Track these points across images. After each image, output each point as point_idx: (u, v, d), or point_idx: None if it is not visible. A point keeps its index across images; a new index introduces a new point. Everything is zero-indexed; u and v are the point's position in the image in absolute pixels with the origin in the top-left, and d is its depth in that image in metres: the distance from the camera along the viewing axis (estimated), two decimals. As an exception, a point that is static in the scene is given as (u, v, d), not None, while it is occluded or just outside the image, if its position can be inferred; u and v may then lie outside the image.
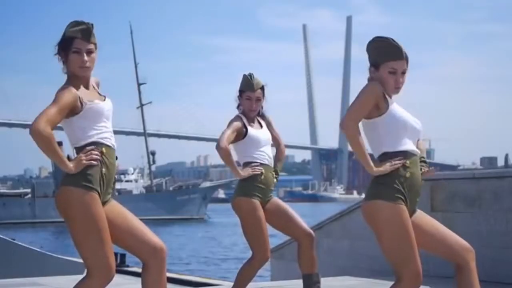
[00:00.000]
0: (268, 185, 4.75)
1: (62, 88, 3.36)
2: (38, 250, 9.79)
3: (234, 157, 4.84)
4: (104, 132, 3.42)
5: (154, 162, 71.58)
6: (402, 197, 3.48)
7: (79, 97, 3.36)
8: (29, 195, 63.03)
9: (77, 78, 3.43)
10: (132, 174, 75.69)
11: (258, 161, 4.73)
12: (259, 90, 4.78)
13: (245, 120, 4.77)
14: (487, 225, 6.70)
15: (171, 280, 10.18)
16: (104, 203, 3.44)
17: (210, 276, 14.39)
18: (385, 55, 3.52)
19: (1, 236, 9.63)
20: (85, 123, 3.38)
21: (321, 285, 4.82)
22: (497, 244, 6.61)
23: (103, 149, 3.39)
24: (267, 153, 4.78)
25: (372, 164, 3.42)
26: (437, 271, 6.93)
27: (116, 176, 3.61)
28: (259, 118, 4.86)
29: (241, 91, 4.80)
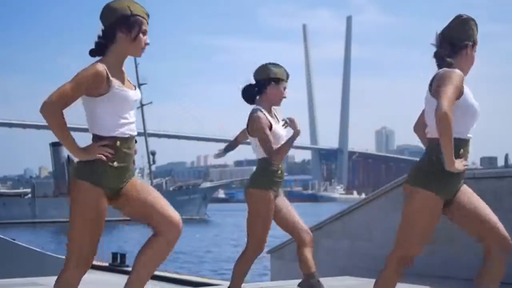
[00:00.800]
0: (282, 178, 4.80)
1: (90, 65, 3.26)
2: (38, 250, 9.79)
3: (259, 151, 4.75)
4: (124, 125, 3.34)
5: (154, 162, 71.68)
6: (446, 189, 3.54)
7: (108, 76, 3.25)
8: (29, 195, 63.08)
9: (120, 60, 3.37)
10: (132, 174, 75.64)
11: None
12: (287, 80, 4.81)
13: (267, 115, 4.69)
14: (487, 225, 6.69)
15: (171, 280, 10.18)
16: (120, 189, 3.38)
17: (210, 276, 14.40)
18: (477, 34, 3.67)
19: (1, 236, 9.63)
20: (107, 107, 3.29)
21: (321, 285, 4.81)
22: (497, 244, 6.60)
23: (118, 143, 3.30)
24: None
25: (454, 159, 3.41)
26: (436, 272, 6.93)
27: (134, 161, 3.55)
28: (276, 111, 4.81)
29: (277, 79, 4.69)
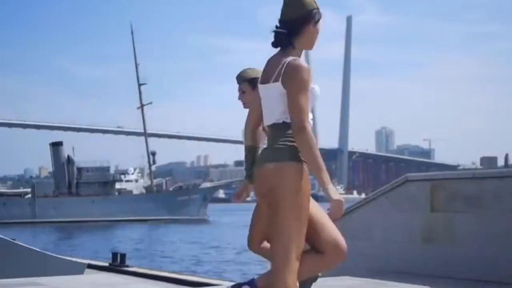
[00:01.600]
0: None
1: (302, 67, 3.19)
2: (38, 250, 9.78)
3: None
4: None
5: (154, 162, 71.70)
6: None
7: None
8: (29, 195, 63.11)
9: (300, 53, 3.33)
10: (133, 174, 75.74)
11: None
12: (243, 83, 4.80)
13: None
14: (488, 225, 6.69)
15: (171, 280, 10.17)
16: None
17: (210, 276, 14.40)
18: None
19: (1, 236, 9.62)
20: None
21: (321, 285, 4.82)
22: (498, 244, 6.61)
23: None
24: None
25: None
26: (436, 272, 6.93)
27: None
28: None
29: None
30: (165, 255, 27.91)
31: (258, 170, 3.30)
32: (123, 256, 11.86)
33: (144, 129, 71.77)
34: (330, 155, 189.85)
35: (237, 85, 4.87)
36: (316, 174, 3.12)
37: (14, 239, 10.11)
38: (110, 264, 11.97)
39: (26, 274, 8.00)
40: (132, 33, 72.39)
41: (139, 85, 70.64)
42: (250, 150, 3.76)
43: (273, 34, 3.34)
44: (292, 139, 3.21)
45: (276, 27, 3.31)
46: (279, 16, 3.34)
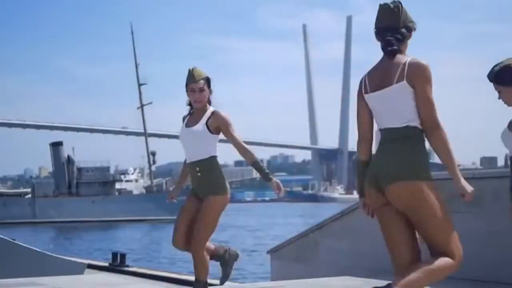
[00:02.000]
0: (192, 182, 5.11)
1: (427, 64, 3.35)
2: (38, 250, 9.79)
3: None
4: None
5: (154, 162, 71.72)
6: None
7: None
8: (29, 195, 63.14)
9: None
10: (132, 174, 75.76)
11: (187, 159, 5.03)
12: (201, 81, 4.88)
13: (185, 119, 5.00)
14: (488, 225, 6.69)
15: (171, 280, 10.18)
16: None
17: (210, 276, 14.35)
18: None
19: (1, 236, 9.62)
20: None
21: (322, 285, 4.82)
22: (498, 245, 6.61)
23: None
24: (189, 151, 4.99)
25: None
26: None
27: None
28: (208, 113, 4.93)
29: (186, 85, 4.92)
30: (165, 255, 27.90)
31: (389, 186, 3.42)
32: (123, 256, 11.88)
33: (144, 129, 71.80)
34: (330, 155, 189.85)
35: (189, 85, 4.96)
36: (450, 169, 3.37)
37: (14, 239, 10.12)
38: (110, 264, 11.98)
39: (26, 274, 8.00)
40: (132, 33, 72.47)
41: (139, 85, 70.69)
42: (366, 165, 3.66)
43: (385, 41, 3.46)
44: (416, 147, 3.34)
45: (383, 34, 3.44)
46: (383, 24, 3.48)
